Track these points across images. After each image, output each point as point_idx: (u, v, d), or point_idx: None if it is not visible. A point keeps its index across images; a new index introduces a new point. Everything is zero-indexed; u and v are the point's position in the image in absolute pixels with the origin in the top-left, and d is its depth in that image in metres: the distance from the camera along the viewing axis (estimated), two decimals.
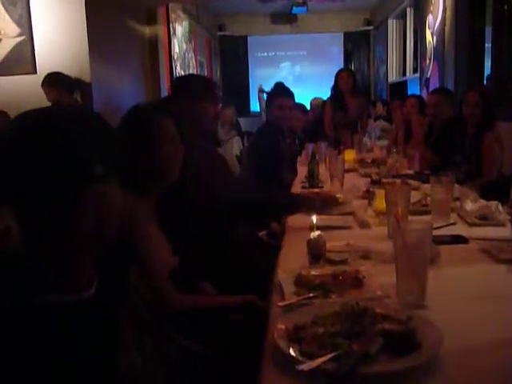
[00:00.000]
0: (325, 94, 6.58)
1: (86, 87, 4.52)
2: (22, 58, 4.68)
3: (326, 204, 2.31)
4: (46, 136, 0.84)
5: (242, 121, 9.35)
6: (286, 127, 3.95)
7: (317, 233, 1.63)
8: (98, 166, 0.85)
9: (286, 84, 4.06)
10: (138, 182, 1.55)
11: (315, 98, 7.65)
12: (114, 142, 0.94)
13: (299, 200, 2.34)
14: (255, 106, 11.55)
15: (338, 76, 5.74)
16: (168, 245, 1.64)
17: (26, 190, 0.83)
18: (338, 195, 2.48)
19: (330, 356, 0.99)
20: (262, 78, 12.07)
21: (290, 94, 3.87)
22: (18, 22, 4.63)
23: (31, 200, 0.83)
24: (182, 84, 2.48)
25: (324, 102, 6.58)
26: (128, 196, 1.47)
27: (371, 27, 11.86)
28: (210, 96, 2.35)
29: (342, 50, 12.37)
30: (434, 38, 7.06)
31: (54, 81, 4.27)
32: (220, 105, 2.50)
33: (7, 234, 0.90)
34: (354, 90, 5.71)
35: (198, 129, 2.28)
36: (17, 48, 4.69)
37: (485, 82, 5.85)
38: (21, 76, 4.63)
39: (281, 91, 3.88)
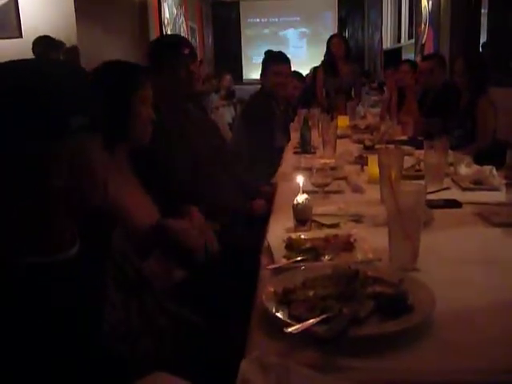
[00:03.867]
0: (317, 61, 6.49)
1: (72, 50, 4.40)
2: (7, 22, 4.55)
3: None
4: (20, 85, 0.81)
5: (236, 88, 9.28)
6: (282, 95, 3.84)
7: (303, 196, 1.59)
8: (75, 117, 0.82)
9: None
10: (108, 139, 1.51)
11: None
12: (95, 96, 0.91)
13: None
14: (248, 73, 11.42)
15: (330, 42, 5.65)
16: (150, 203, 1.62)
17: None
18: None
19: (318, 319, 0.96)
20: (255, 44, 11.92)
21: (287, 61, 3.75)
22: None
23: (4, 149, 0.80)
24: (150, 49, 2.40)
25: (315, 68, 6.49)
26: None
27: None
28: (177, 56, 2.25)
29: (336, 15, 12.18)
30: (430, 2, 6.94)
31: (40, 44, 4.16)
32: (198, 62, 2.40)
33: None
34: (346, 56, 5.62)
35: (173, 92, 2.22)
36: (1, 11, 4.54)
37: (480, 49, 5.76)
38: (6, 40, 4.50)
39: (277, 57, 3.75)
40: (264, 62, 3.79)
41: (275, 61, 3.71)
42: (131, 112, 1.59)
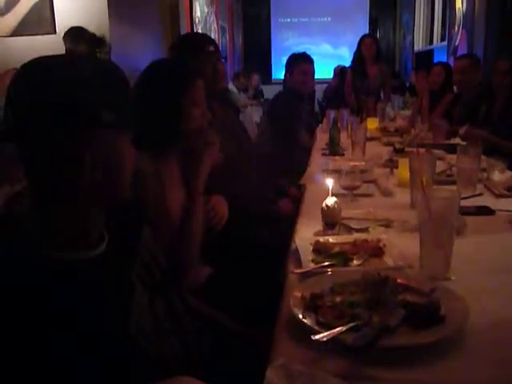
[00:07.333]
0: (348, 61, 6.44)
1: (108, 47, 4.41)
2: (42, 18, 4.61)
3: None
4: (50, 80, 0.82)
5: (264, 88, 9.30)
6: (306, 93, 4.01)
7: (332, 199, 1.56)
8: (105, 112, 0.83)
9: (310, 52, 4.10)
10: (159, 142, 1.50)
11: (339, 66, 7.53)
12: (126, 93, 0.92)
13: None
14: (277, 73, 11.39)
15: (361, 42, 5.55)
16: None
17: (30, 130, 0.81)
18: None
19: (347, 327, 0.94)
20: (285, 44, 11.88)
21: (311, 61, 3.93)
22: None
23: (36, 142, 0.82)
24: (173, 46, 2.38)
25: (342, 67, 6.47)
26: (149, 153, 1.45)
27: None
28: (202, 53, 2.23)
29: (368, 16, 12.05)
30: (464, 4, 6.81)
31: (76, 36, 4.16)
32: (222, 60, 2.38)
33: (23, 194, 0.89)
34: (376, 57, 5.55)
35: None
36: (36, 7, 4.60)
37: None
38: (40, 36, 4.56)
39: (303, 57, 3.92)
40: (290, 62, 3.95)
41: (302, 61, 3.88)
42: (183, 114, 1.53)
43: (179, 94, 1.53)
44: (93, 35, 4.19)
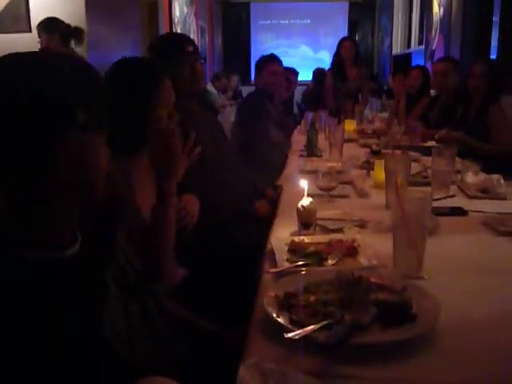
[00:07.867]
0: (327, 64, 6.50)
1: (83, 37, 4.33)
2: (17, 16, 4.55)
3: None
4: (24, 78, 0.80)
5: (243, 89, 9.31)
6: (277, 93, 4.03)
7: (308, 200, 1.57)
8: (79, 111, 0.81)
9: (289, 54, 4.15)
10: (129, 142, 1.48)
11: (318, 68, 7.57)
12: (100, 92, 0.90)
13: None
14: None
15: (340, 44, 5.62)
16: None
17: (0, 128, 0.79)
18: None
19: (320, 325, 0.95)
20: (264, 46, 11.91)
21: (279, 61, 3.98)
22: None
23: (6, 141, 0.80)
24: (152, 46, 2.36)
25: (322, 70, 6.54)
26: (117, 156, 1.43)
27: None
28: (181, 54, 2.21)
29: (347, 20, 12.15)
30: (441, 9, 6.91)
31: (50, 27, 4.07)
32: (202, 61, 2.36)
33: None
34: (355, 59, 5.60)
35: (177, 91, 2.20)
36: (11, 5, 4.55)
37: (493, 56, 5.71)
38: (15, 34, 4.50)
39: (271, 58, 3.96)
40: (259, 64, 3.99)
41: (271, 61, 3.92)
42: (150, 117, 1.49)
43: (145, 94, 1.48)
44: (68, 26, 4.12)
